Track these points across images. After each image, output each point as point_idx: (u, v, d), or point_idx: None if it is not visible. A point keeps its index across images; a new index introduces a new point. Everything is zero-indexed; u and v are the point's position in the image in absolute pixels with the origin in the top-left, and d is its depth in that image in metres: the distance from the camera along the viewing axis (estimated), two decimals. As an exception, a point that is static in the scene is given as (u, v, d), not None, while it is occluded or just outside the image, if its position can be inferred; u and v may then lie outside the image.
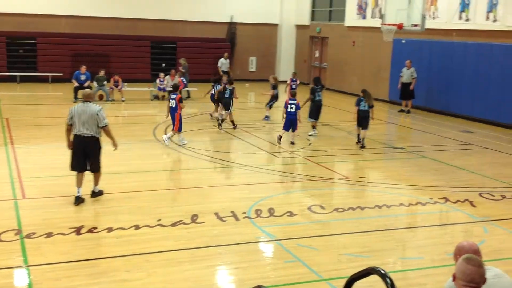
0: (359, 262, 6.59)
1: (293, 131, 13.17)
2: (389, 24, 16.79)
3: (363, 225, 7.99)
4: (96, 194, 8.72)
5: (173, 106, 12.78)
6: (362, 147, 13.03)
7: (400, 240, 7.63)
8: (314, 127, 14.45)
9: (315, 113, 14.54)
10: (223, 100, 15.18)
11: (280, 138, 13.15)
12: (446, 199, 9.21)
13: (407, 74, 18.57)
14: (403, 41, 19.89)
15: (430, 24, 17.60)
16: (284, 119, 13.25)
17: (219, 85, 15.64)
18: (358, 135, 13.31)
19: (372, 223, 8.10)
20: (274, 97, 16.86)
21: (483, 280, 3.20)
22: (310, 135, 14.22)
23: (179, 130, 12.74)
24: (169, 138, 12.82)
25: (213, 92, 16.01)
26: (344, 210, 8.60)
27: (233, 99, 15.16)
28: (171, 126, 13.00)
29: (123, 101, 19.40)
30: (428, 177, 10.73)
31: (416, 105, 19.13)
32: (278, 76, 27.74)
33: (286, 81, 26.98)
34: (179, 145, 12.69)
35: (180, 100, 12.78)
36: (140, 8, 24.94)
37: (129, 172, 10.55)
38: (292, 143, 13.17)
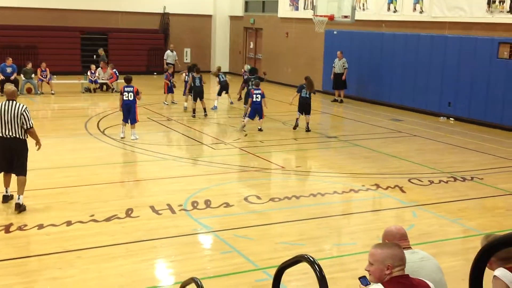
0: (295, 250, 6.69)
1: (260, 118, 13.82)
2: (320, 16, 17.07)
3: (298, 214, 8.12)
4: (20, 207, 7.69)
5: (130, 98, 12.49)
6: (308, 131, 13.77)
7: (334, 227, 7.81)
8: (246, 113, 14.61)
9: (246, 100, 15.36)
10: (196, 89, 15.53)
11: (243, 126, 13.76)
12: (378, 186, 9.51)
13: (338, 64, 19.01)
14: (335, 32, 20.27)
15: (360, 15, 18.05)
16: (249, 108, 13.94)
17: (187, 76, 15.98)
18: (297, 119, 14.04)
19: (308, 211, 8.25)
20: (223, 87, 17.58)
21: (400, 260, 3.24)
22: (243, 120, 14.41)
23: (130, 122, 12.62)
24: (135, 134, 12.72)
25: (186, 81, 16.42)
26: (280, 199, 8.71)
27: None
28: (122, 119, 12.76)
29: (52, 94, 18.78)
30: (360, 165, 11.03)
31: (348, 95, 19.58)
32: (213, 67, 27.72)
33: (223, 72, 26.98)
34: (132, 139, 12.58)
35: (137, 92, 12.56)
36: (69, -2, 24.16)
37: (61, 167, 10.24)
38: (260, 129, 13.80)
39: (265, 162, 11.12)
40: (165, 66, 21.19)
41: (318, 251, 6.76)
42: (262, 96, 13.77)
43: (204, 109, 15.69)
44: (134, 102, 12.53)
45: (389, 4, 18.09)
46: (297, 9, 22.60)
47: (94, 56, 23.31)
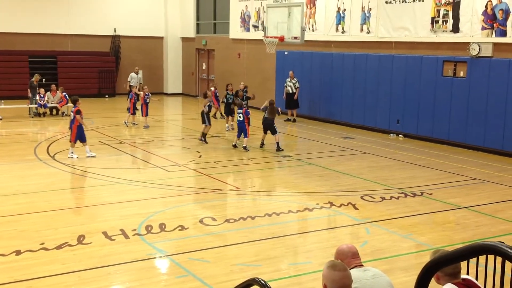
0: (251, 271, 6.69)
1: (245, 137, 14.24)
2: (271, 37, 17.31)
3: (254, 234, 8.13)
4: None
5: (72, 118, 12.99)
6: (278, 150, 14.18)
7: (290, 246, 7.85)
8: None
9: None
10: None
11: (234, 146, 14.38)
12: (332, 204, 9.64)
13: (290, 84, 19.30)
14: (286, 53, 20.59)
15: (310, 36, 18.41)
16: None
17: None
18: (262, 140, 14.63)
19: (263, 231, 8.27)
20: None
21: (351, 281, 3.32)
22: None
23: (79, 141, 12.92)
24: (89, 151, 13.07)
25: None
26: (235, 220, 8.70)
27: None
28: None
29: (0, 119, 18.26)
30: (314, 183, 11.16)
31: (301, 114, 19.85)
32: (166, 89, 27.65)
33: (175, 94, 26.91)
34: (87, 156, 12.86)
35: (77, 112, 12.78)
36: (15, 22, 23.68)
37: (9, 195, 9.93)
38: (245, 147, 14.13)
39: (220, 183, 11.11)
40: (127, 88, 21.21)
41: (274, 271, 6.78)
42: (246, 113, 14.30)
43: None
44: (72, 123, 12.86)
45: (337, 25, 18.53)
46: (248, 30, 22.85)
47: (43, 80, 22.84)
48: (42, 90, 19.50)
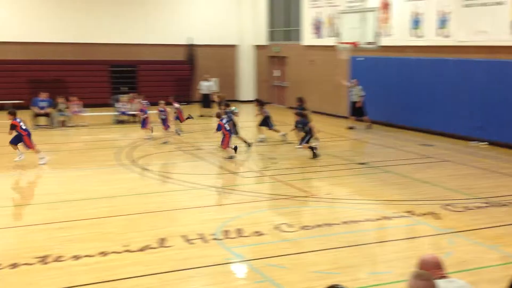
0: (329, 279, 6.62)
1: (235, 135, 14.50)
2: (344, 43, 17.14)
3: (331, 242, 8.05)
4: None
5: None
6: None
7: (368, 255, 7.72)
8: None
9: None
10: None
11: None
12: (411, 213, 9.38)
13: (354, 92, 18.97)
14: (360, 59, 20.32)
15: (384, 41, 18.08)
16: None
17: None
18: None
19: (340, 239, 8.17)
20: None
21: None
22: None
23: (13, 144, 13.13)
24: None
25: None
26: (311, 227, 8.65)
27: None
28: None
29: (84, 126, 19.13)
30: (392, 191, 10.92)
31: (376, 121, 19.50)
32: (239, 96, 28.00)
33: (248, 101, 27.23)
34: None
35: (11, 127, 13.05)
36: (98, 33, 24.79)
37: (94, 198, 10.37)
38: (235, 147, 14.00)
39: (296, 190, 11.09)
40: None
41: (353, 280, 6.68)
42: (228, 120, 14.27)
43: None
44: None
45: (413, 29, 18.11)
46: (320, 36, 22.77)
47: (122, 88, 23.80)
48: (123, 98, 20.29)
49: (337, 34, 18.10)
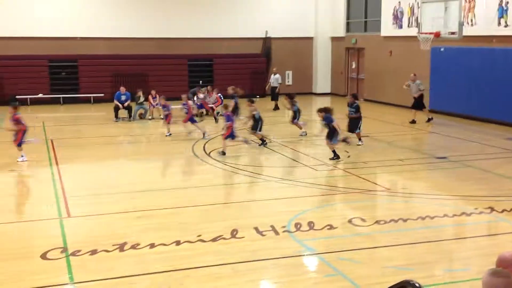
0: (403, 275, 6.43)
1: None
2: (425, 33, 16.59)
3: (406, 237, 7.84)
4: None
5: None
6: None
7: (445, 251, 7.45)
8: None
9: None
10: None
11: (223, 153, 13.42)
12: (492, 209, 8.95)
13: (413, 87, 18.29)
14: (442, 49, 19.59)
15: (468, 31, 17.29)
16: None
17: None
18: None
19: (416, 235, 7.93)
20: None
21: None
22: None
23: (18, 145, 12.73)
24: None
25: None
26: (386, 222, 8.45)
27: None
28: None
29: (162, 118, 19.68)
30: (472, 187, 10.47)
31: (456, 114, 18.77)
32: (315, 88, 27.80)
33: (324, 94, 27.02)
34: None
35: (16, 121, 12.64)
36: (176, 28, 25.39)
37: (170, 189, 10.67)
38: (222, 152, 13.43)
39: (369, 184, 10.88)
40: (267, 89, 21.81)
41: (428, 277, 6.47)
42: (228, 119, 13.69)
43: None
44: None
45: (499, 18, 17.20)
46: (400, 27, 22.13)
47: (201, 81, 24.27)
48: (200, 91, 20.68)
49: (418, 24, 17.51)
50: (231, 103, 17.11)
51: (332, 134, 12.78)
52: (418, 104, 18.28)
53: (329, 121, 12.81)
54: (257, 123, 14.64)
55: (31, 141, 13.24)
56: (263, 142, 14.64)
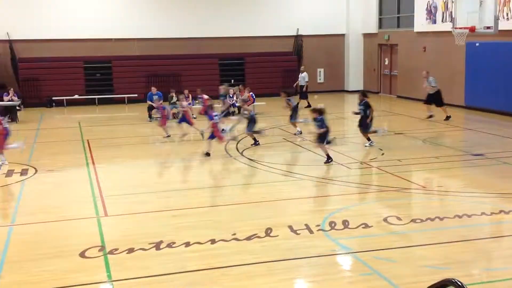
0: (440, 274, 6.35)
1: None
2: (460, 28, 16.30)
3: (443, 236, 7.73)
4: None
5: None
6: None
7: (483, 250, 7.32)
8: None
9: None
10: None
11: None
12: (532, 207, 8.76)
13: (427, 83, 18.01)
14: (477, 44, 19.21)
15: (504, 25, 16.91)
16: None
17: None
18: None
19: (452, 233, 7.81)
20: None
21: None
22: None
23: None
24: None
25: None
26: (422, 220, 8.35)
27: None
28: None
29: (194, 118, 19.82)
30: (510, 184, 10.25)
31: (493, 110, 18.38)
32: (347, 86, 27.60)
33: (356, 91, 26.82)
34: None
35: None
36: (208, 28, 25.55)
37: (202, 188, 10.76)
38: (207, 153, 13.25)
39: (405, 182, 10.76)
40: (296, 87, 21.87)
41: (466, 276, 6.37)
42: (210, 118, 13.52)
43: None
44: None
45: (537, 11, 16.78)
46: (434, 22, 21.79)
47: (232, 80, 24.35)
48: (231, 90, 20.76)
49: (452, 19, 17.22)
50: (222, 103, 16.97)
51: (322, 136, 12.29)
52: (435, 100, 17.98)
53: (323, 124, 12.27)
54: (251, 123, 14.47)
55: (14, 146, 13.06)
56: (255, 142, 14.50)
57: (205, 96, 18.16)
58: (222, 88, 19.57)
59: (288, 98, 16.13)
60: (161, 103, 17.74)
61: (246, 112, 14.75)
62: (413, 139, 14.96)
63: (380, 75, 26.56)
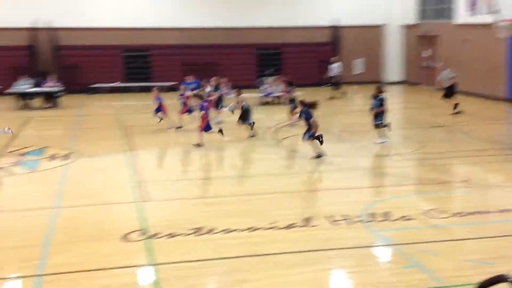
0: (482, 268, 6.26)
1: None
2: (503, 20, 15.89)
3: (485, 230, 7.60)
4: None
5: None
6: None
7: (528, 246, 7.17)
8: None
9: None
10: None
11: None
12: None
13: (443, 76, 17.63)
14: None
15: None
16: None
17: None
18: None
19: (496, 228, 7.67)
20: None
21: None
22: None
23: None
24: None
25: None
26: (464, 214, 8.22)
27: None
28: None
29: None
30: (555, 180, 10.00)
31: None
32: (386, 77, 27.23)
33: (396, 83, 26.45)
34: None
35: None
36: (245, 17, 25.52)
37: (241, 176, 10.81)
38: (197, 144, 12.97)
39: (446, 175, 10.59)
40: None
41: (509, 271, 6.10)
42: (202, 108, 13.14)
43: None
44: None
45: None
46: (475, 14, 21.26)
47: (272, 69, 24.38)
48: (268, 80, 20.77)
49: (495, 11, 16.78)
50: (214, 94, 16.74)
51: (307, 131, 11.77)
52: (449, 93, 17.65)
53: (308, 117, 11.73)
54: (245, 114, 14.34)
55: (3, 131, 13.47)
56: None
57: (189, 93, 16.95)
58: (213, 80, 18.92)
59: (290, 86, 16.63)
60: (189, 93, 17.27)
61: (242, 103, 14.62)
62: (454, 132, 14.70)
63: (419, 67, 26.10)
